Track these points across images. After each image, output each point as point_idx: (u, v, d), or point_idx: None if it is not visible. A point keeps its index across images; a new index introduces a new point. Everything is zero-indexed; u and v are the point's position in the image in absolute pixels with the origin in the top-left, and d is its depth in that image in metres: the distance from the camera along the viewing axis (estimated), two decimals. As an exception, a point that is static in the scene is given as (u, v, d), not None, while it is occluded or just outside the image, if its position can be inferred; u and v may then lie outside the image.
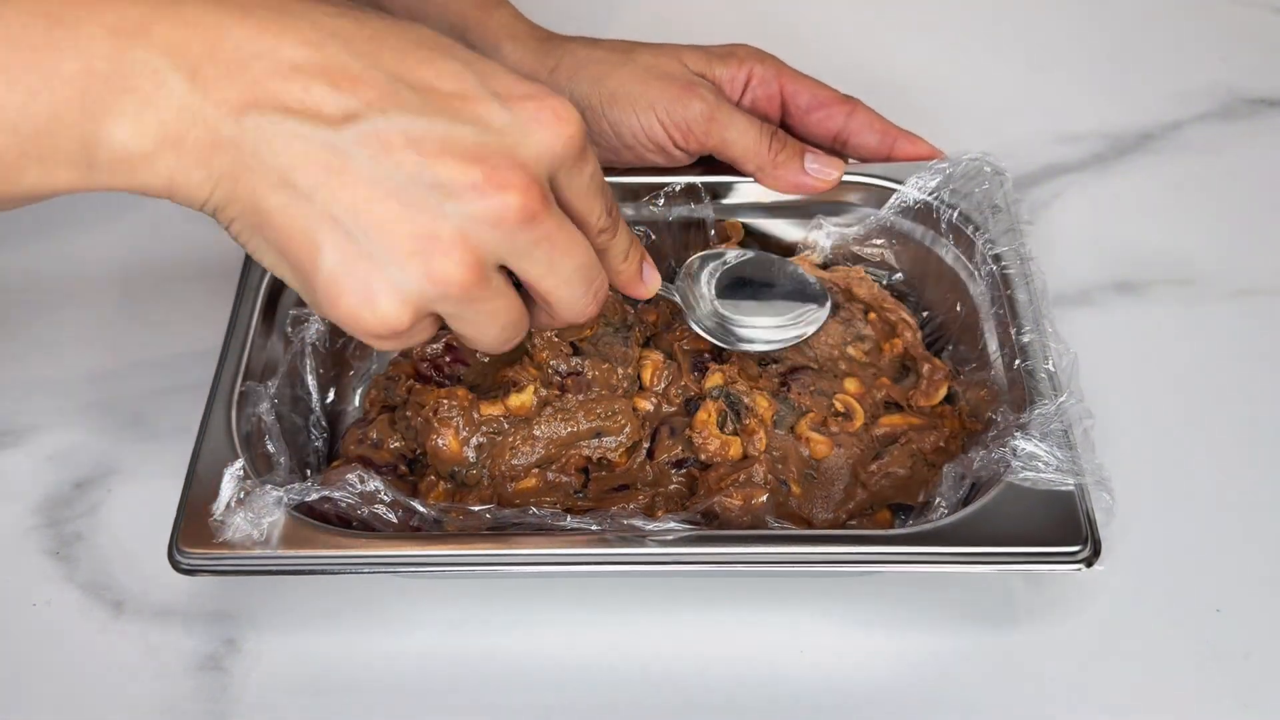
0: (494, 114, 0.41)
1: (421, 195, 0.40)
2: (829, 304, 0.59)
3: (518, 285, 0.45)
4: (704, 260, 0.59)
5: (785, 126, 0.64)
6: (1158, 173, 0.75)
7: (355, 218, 0.39)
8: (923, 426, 0.57)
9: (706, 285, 0.59)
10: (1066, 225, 0.71)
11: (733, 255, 0.60)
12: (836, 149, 0.64)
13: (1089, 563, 0.48)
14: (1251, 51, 0.83)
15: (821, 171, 0.61)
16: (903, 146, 0.63)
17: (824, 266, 0.64)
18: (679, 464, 0.56)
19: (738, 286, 0.59)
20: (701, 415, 0.57)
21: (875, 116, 0.63)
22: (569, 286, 0.44)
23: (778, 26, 0.84)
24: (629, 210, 0.63)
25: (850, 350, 0.61)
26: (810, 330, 0.58)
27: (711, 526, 0.53)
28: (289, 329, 0.58)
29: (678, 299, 0.57)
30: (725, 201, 0.63)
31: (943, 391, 0.59)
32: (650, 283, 0.51)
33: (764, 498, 0.54)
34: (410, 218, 0.40)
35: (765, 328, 0.58)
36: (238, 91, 0.39)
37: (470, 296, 0.41)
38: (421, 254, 0.40)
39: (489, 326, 0.43)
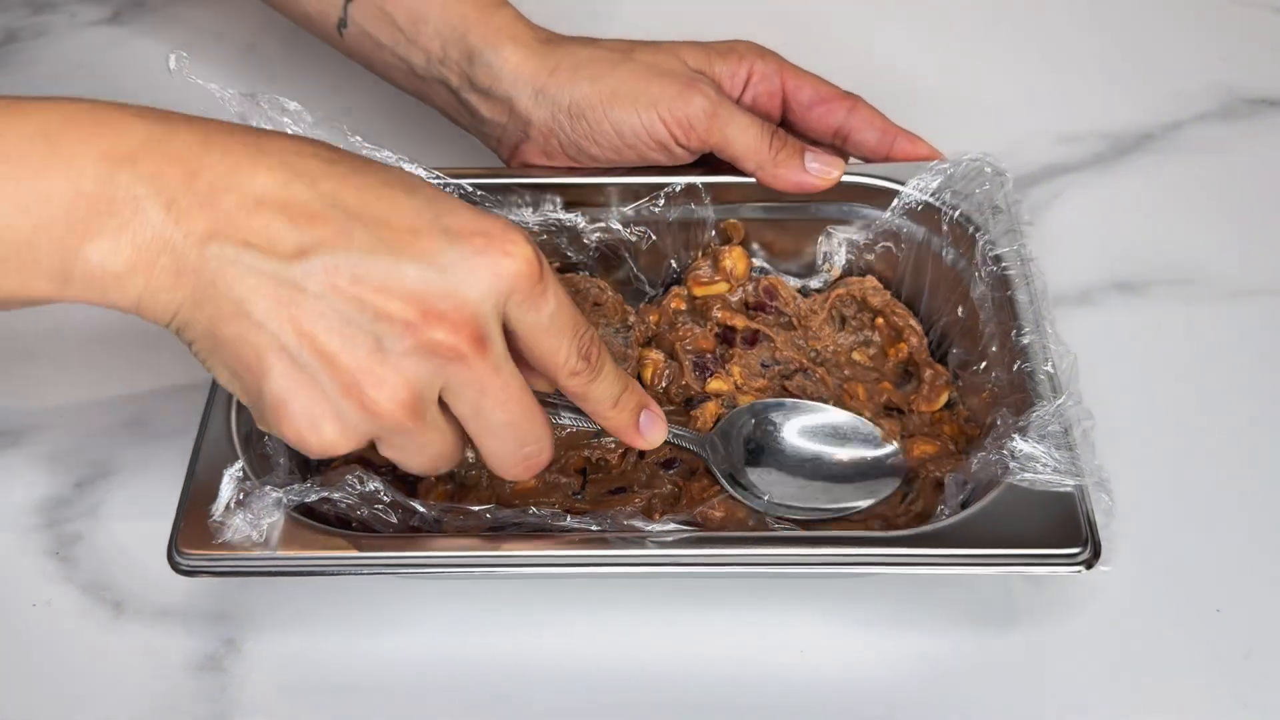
0: (441, 251, 0.43)
1: (364, 331, 0.42)
2: (897, 480, 0.55)
3: None
4: (752, 414, 0.57)
5: (786, 122, 0.64)
6: (1158, 173, 0.75)
7: (302, 349, 0.42)
8: (940, 455, 0.56)
9: (740, 444, 0.56)
10: (1066, 225, 0.71)
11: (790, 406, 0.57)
12: (836, 145, 0.64)
13: (1089, 564, 0.48)
14: (1251, 51, 0.83)
15: (822, 170, 0.61)
16: (902, 145, 0.63)
17: (838, 279, 0.64)
18: (667, 464, 0.56)
19: (798, 438, 0.57)
20: (697, 414, 0.57)
21: (876, 114, 0.63)
22: (495, 439, 0.46)
23: (778, 27, 0.84)
24: (629, 210, 0.63)
25: (855, 355, 0.61)
26: (864, 504, 0.54)
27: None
28: None
29: (696, 449, 0.55)
30: (726, 203, 0.63)
31: (944, 397, 0.59)
32: (651, 435, 0.51)
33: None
34: (352, 352, 0.42)
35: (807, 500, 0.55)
36: (205, 222, 0.41)
37: (402, 429, 0.44)
38: (360, 388, 0.42)
39: (416, 455, 0.46)
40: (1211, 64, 0.81)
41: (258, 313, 0.42)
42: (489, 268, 0.43)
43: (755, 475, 0.55)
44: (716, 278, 0.63)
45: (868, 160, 0.64)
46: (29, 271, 0.42)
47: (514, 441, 0.46)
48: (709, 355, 0.60)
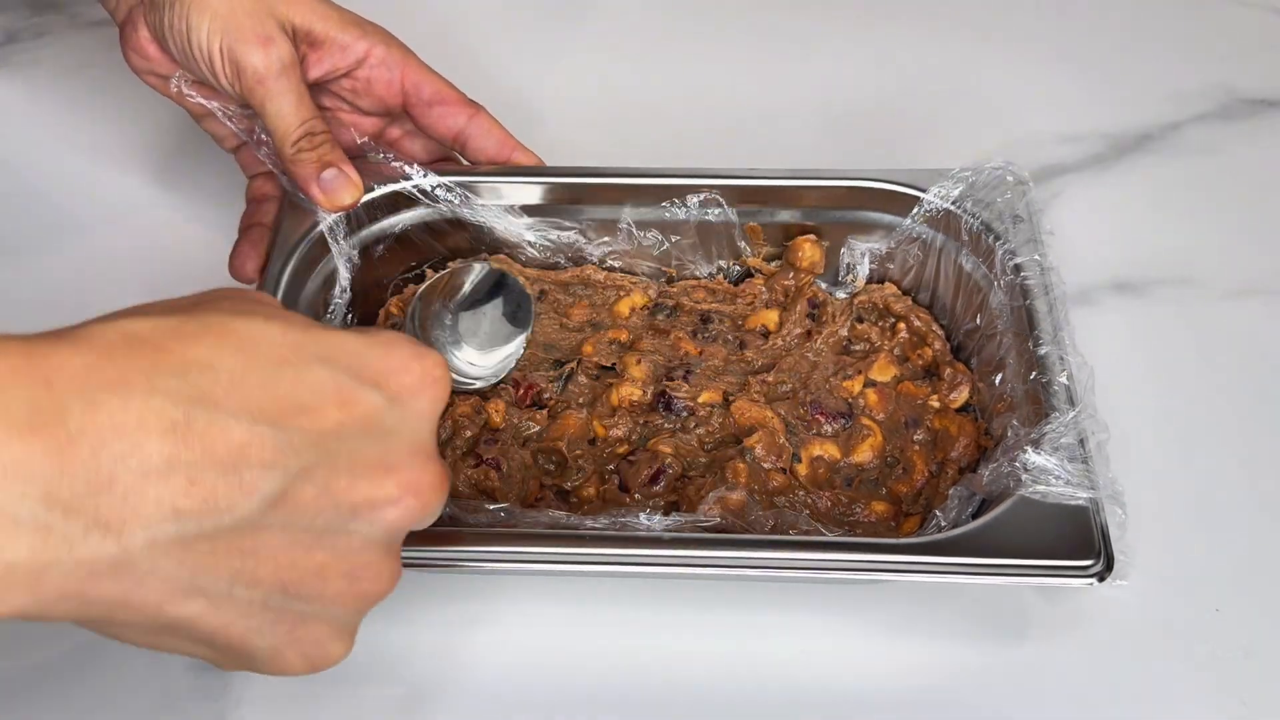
0: (379, 411, 0.38)
1: (344, 530, 0.37)
2: (531, 312, 0.60)
3: None
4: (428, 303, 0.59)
5: (409, 117, 0.65)
6: (1157, 173, 0.75)
7: (284, 588, 0.36)
8: (890, 515, 0.56)
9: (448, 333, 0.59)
10: (1066, 225, 0.71)
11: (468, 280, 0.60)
12: (456, 148, 0.65)
13: (1101, 577, 0.47)
14: (1251, 51, 0.83)
15: (331, 190, 0.60)
16: (519, 158, 0.64)
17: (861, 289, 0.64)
18: (654, 478, 0.56)
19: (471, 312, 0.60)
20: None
21: (497, 125, 0.64)
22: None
23: (778, 29, 0.84)
24: (646, 210, 0.63)
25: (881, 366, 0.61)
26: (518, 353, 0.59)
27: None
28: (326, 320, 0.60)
29: None
30: (750, 206, 0.63)
31: (965, 393, 0.59)
32: None
33: (740, 494, 0.54)
34: (340, 558, 0.37)
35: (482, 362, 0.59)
36: (113, 508, 0.32)
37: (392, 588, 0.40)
38: (357, 587, 0.38)
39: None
40: (1211, 64, 0.81)
41: (219, 584, 0.35)
42: (429, 405, 0.40)
43: (458, 359, 0.58)
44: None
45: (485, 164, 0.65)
46: None
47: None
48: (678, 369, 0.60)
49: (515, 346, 0.59)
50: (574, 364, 0.61)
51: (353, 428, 0.37)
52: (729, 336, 0.62)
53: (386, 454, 0.38)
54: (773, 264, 0.64)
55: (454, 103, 0.64)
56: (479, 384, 0.58)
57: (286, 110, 0.59)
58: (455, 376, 0.57)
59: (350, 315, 0.61)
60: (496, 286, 0.60)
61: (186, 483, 0.33)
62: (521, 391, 0.59)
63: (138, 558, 0.33)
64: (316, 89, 0.62)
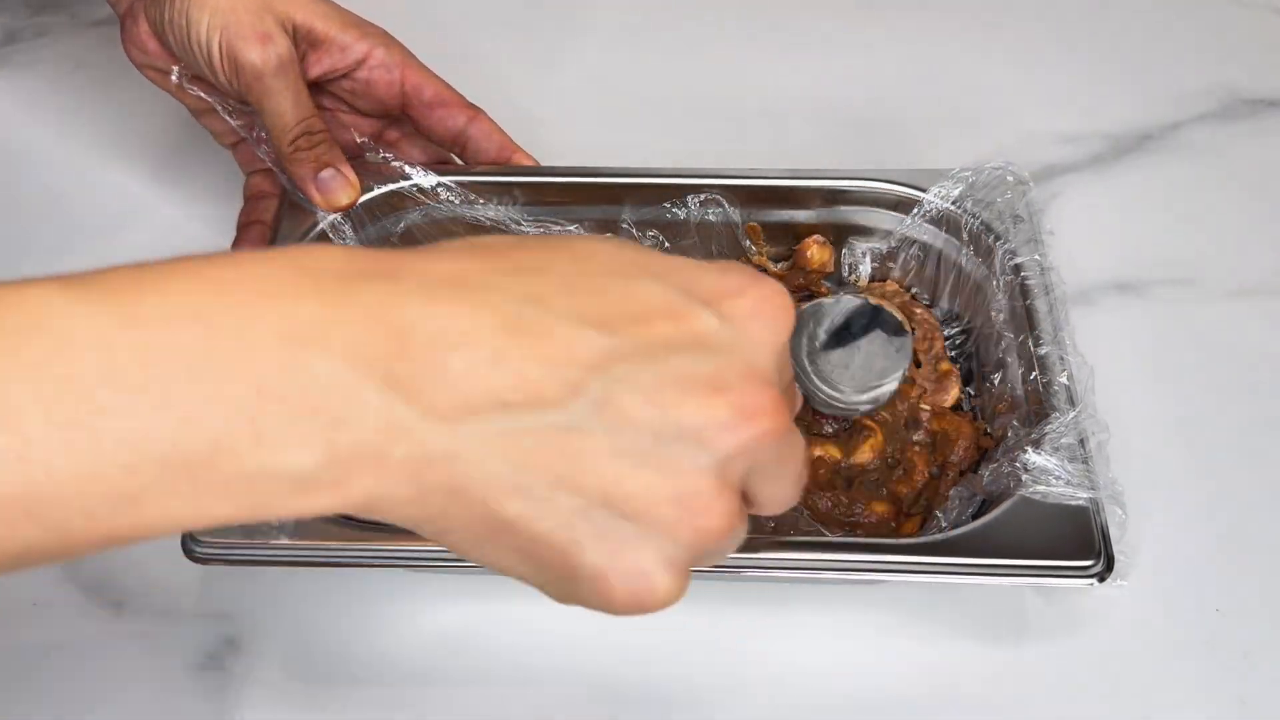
0: (711, 331, 0.35)
1: (673, 452, 0.34)
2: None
3: None
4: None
5: (410, 119, 0.65)
6: (1157, 173, 0.75)
7: (608, 500, 0.34)
8: (890, 516, 0.55)
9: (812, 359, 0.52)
10: (1065, 225, 0.71)
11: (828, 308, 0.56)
12: (456, 151, 0.65)
13: (1101, 577, 0.47)
14: (1251, 51, 0.83)
15: (328, 190, 0.60)
16: (518, 161, 0.64)
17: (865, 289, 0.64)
18: None
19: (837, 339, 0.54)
20: None
21: (496, 128, 0.64)
22: (787, 487, 0.39)
23: (779, 30, 0.84)
24: (646, 210, 0.63)
25: None
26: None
27: None
28: None
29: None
30: (750, 206, 0.63)
31: (954, 391, 0.59)
32: None
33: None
34: (667, 481, 0.34)
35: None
36: (445, 395, 0.32)
37: (731, 540, 0.36)
38: (687, 517, 0.34)
39: (726, 553, 0.38)
40: (1211, 64, 0.81)
41: (543, 482, 0.34)
42: (767, 331, 0.36)
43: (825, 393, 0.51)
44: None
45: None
46: (205, 496, 0.32)
47: (799, 480, 0.40)
48: None
49: (891, 383, 0.50)
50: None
51: (682, 343, 0.35)
52: None
53: (717, 374, 0.35)
54: (779, 265, 0.64)
55: (454, 105, 0.64)
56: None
57: (284, 108, 0.59)
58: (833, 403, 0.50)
59: None
60: (868, 321, 0.51)
61: (514, 376, 0.33)
62: None
63: (467, 449, 0.33)
64: (316, 89, 0.62)
